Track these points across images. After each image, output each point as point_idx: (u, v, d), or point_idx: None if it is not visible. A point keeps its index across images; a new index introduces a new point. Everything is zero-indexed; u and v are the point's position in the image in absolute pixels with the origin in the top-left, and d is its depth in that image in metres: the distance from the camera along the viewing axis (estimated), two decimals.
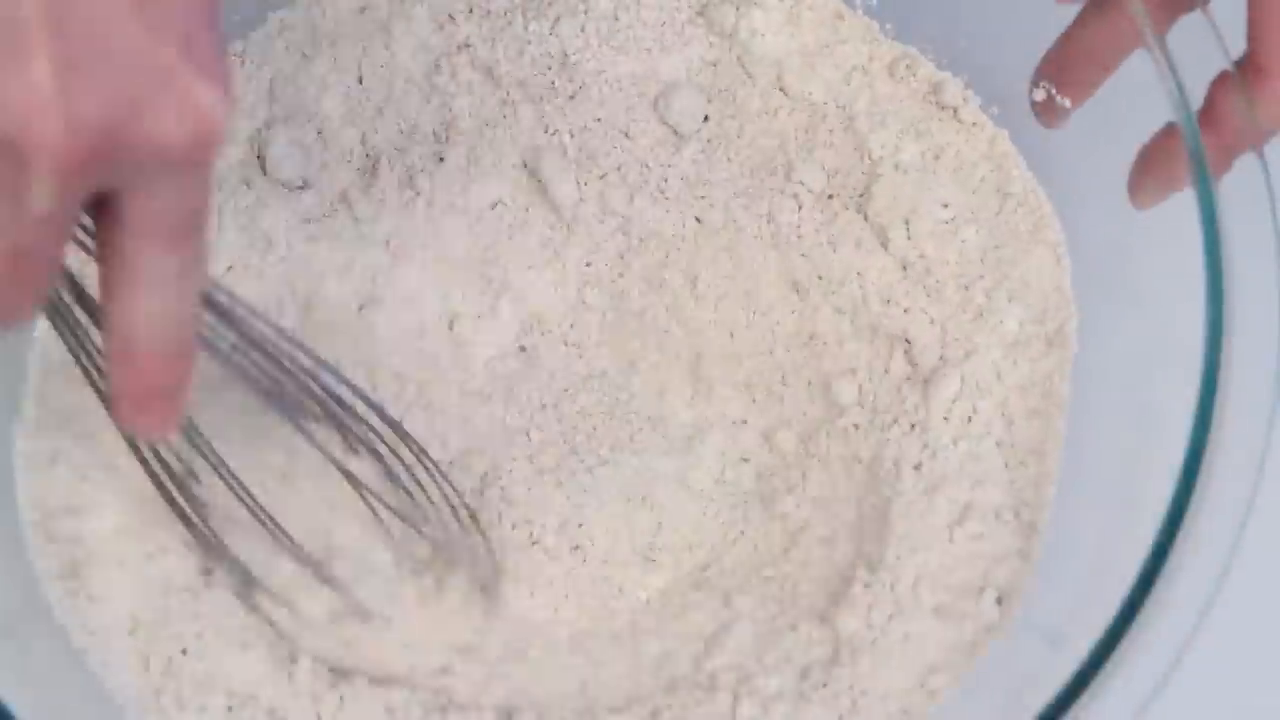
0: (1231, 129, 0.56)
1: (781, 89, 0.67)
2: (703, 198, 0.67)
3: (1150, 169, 0.59)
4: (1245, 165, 0.56)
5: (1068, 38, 0.61)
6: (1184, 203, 0.56)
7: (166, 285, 0.43)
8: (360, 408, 0.57)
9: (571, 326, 0.66)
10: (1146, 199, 0.59)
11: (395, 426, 0.59)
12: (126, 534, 0.60)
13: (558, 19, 0.68)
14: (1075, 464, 0.61)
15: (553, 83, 0.67)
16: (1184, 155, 0.56)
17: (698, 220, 0.66)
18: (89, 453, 0.60)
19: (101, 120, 0.38)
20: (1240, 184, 0.56)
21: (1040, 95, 0.63)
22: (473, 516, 0.61)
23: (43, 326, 0.61)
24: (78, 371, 0.59)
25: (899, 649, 0.59)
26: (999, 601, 0.60)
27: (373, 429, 0.58)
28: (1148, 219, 0.59)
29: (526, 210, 0.66)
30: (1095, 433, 0.61)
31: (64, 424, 0.61)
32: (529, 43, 0.67)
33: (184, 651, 0.59)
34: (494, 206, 0.66)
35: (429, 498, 0.60)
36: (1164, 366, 0.57)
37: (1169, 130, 0.57)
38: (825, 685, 0.59)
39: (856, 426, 0.64)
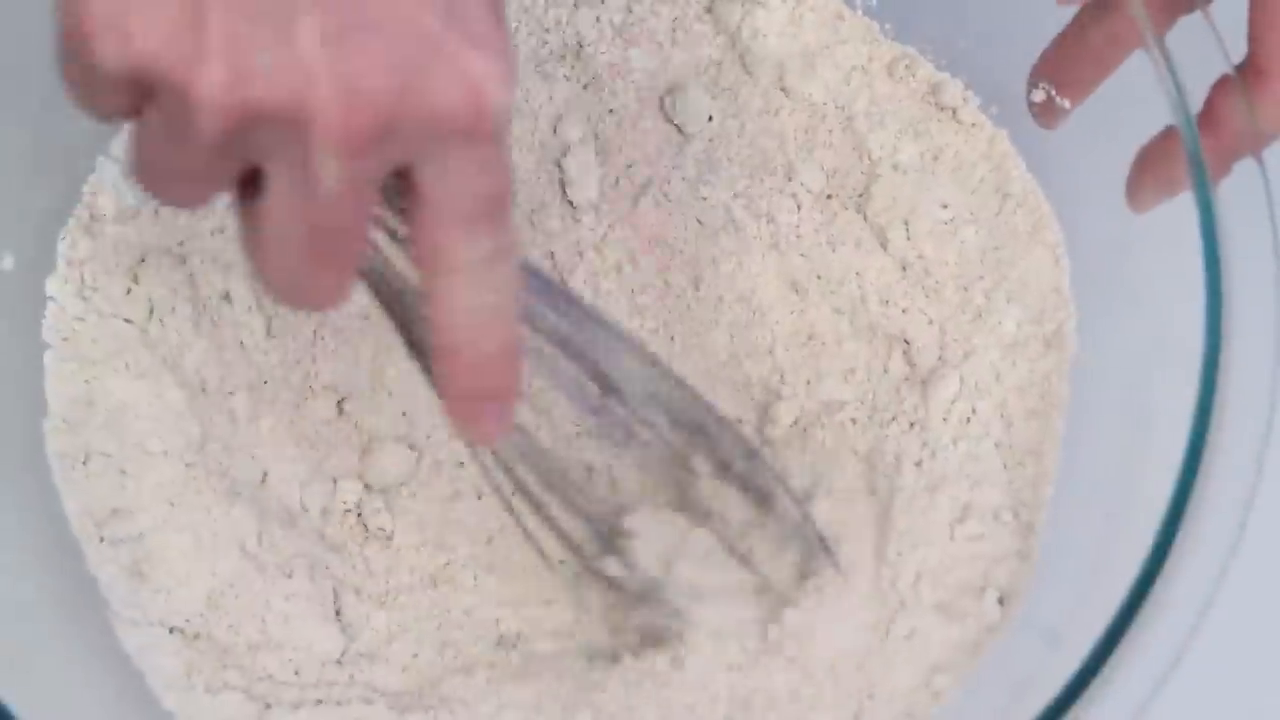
0: (1231, 132, 0.56)
1: (783, 89, 0.67)
2: (704, 199, 0.67)
3: (1149, 172, 0.59)
4: (1244, 169, 0.56)
5: (1067, 38, 0.61)
6: (1183, 205, 0.56)
7: (475, 272, 0.42)
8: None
9: None
10: (1145, 202, 0.59)
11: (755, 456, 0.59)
12: (179, 524, 0.60)
13: (576, 6, 0.68)
14: (1074, 464, 0.61)
15: (565, 75, 0.67)
16: (1183, 158, 0.56)
17: (699, 222, 0.66)
18: (119, 440, 0.61)
19: (374, 89, 0.38)
20: (1239, 187, 0.56)
21: (1039, 96, 0.63)
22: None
23: (51, 309, 0.62)
24: (87, 350, 0.60)
25: (904, 646, 0.59)
26: (1000, 602, 0.60)
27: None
28: (1146, 220, 0.59)
29: (544, 205, 0.66)
30: (1094, 433, 0.61)
31: (87, 411, 0.61)
32: (548, 29, 0.68)
33: (256, 630, 0.60)
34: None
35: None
36: (1162, 367, 0.57)
37: (1168, 133, 0.57)
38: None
39: (854, 421, 0.64)
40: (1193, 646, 0.52)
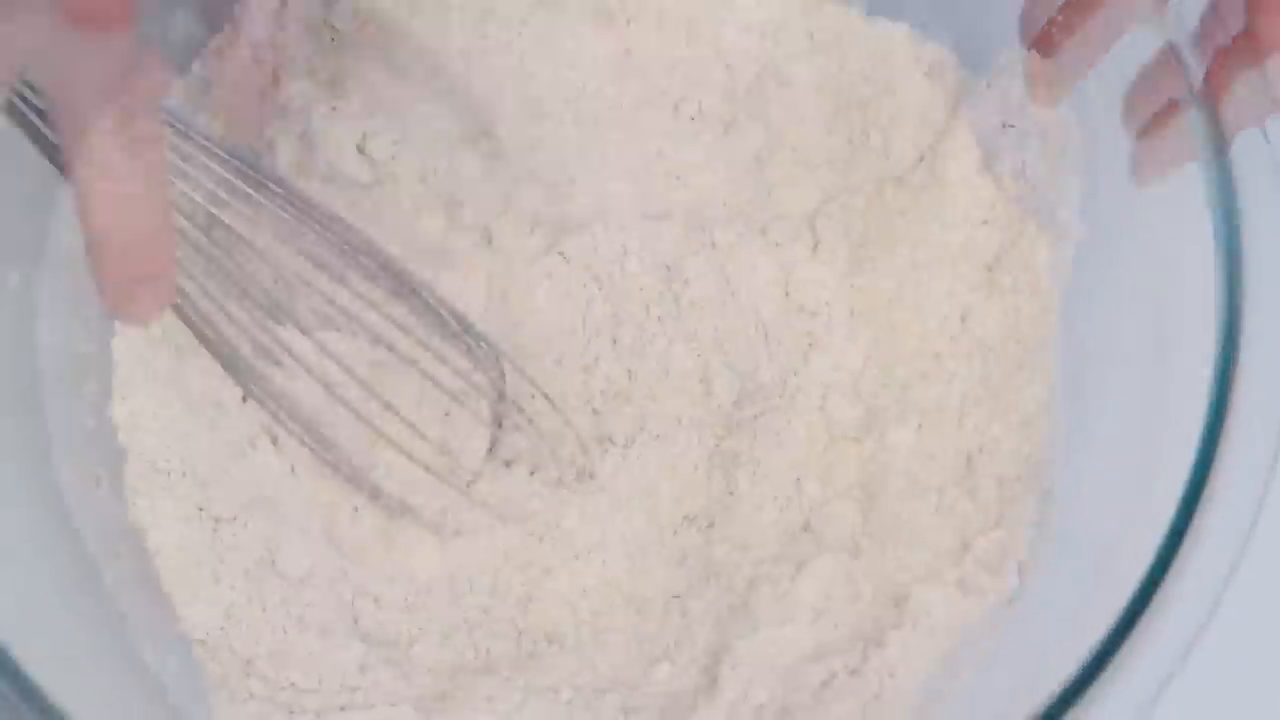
0: (1233, 104, 0.55)
1: None
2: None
3: (1152, 145, 0.58)
4: (1248, 139, 0.55)
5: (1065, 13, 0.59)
6: (1190, 178, 0.55)
7: (114, 164, 0.41)
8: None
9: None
10: (1149, 174, 0.58)
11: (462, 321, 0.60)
12: (193, 540, 0.61)
13: None
14: (1089, 450, 0.61)
15: None
16: (1186, 131, 0.55)
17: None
18: (129, 459, 0.61)
19: None
20: (1244, 159, 0.55)
21: (1033, 64, 0.61)
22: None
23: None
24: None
25: (923, 623, 0.60)
26: (1018, 573, 0.60)
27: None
28: (1153, 197, 0.58)
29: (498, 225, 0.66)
30: (1108, 421, 0.60)
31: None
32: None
33: (277, 640, 0.60)
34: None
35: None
36: (1176, 348, 0.57)
37: (1171, 106, 0.56)
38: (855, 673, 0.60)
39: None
40: (1200, 646, 0.51)
